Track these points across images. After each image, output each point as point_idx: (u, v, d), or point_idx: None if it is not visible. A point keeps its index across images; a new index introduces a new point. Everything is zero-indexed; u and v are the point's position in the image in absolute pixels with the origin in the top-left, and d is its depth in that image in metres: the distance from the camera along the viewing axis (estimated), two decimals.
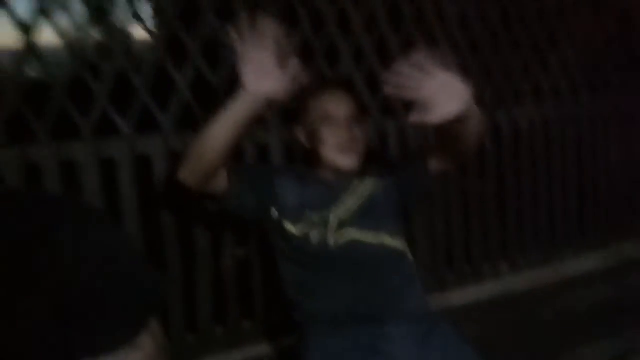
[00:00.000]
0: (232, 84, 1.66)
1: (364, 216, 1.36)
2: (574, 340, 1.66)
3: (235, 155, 1.26)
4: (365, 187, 1.41)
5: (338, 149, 1.37)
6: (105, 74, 1.54)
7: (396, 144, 1.95)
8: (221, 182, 1.30)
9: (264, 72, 1.13)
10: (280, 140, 1.74)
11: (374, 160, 1.49)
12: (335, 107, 1.38)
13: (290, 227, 1.36)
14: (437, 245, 2.05)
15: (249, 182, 1.36)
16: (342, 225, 1.34)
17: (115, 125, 1.57)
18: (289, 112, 1.74)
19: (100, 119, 1.53)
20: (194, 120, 1.63)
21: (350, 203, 1.38)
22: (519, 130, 2.22)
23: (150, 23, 1.62)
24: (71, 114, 1.49)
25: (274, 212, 1.37)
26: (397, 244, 1.38)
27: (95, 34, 1.54)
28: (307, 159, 1.49)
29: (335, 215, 1.35)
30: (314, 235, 1.33)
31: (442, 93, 1.10)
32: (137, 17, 1.58)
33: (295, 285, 1.37)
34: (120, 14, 1.59)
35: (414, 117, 1.11)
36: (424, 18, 2.01)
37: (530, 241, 2.27)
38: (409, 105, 1.14)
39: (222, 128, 1.18)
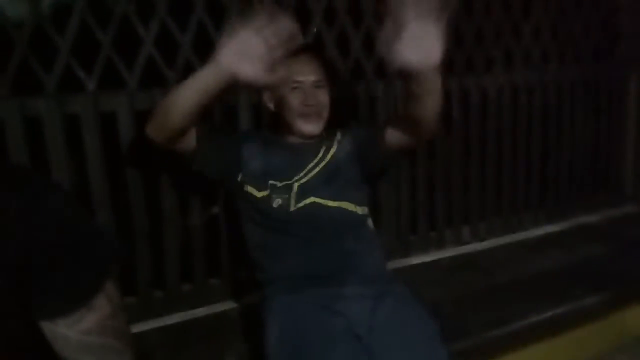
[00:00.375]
0: (200, 46, 1.66)
1: (327, 183, 1.38)
2: (523, 300, 1.75)
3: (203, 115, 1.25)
4: (330, 153, 1.43)
5: (302, 115, 1.37)
6: (69, 28, 1.50)
7: (386, 108, 1.97)
8: (189, 142, 1.30)
9: (246, 55, 1.05)
10: (249, 102, 1.73)
11: (340, 125, 1.51)
12: (301, 71, 1.38)
13: (252, 191, 1.38)
14: (402, 211, 2.10)
15: (217, 144, 1.36)
16: (304, 191, 1.36)
17: (80, 82, 1.54)
18: None
19: (64, 75, 1.49)
20: (161, 77, 1.60)
21: (313, 169, 1.40)
22: (487, 96, 2.25)
23: None
24: (34, 68, 1.45)
25: (239, 176, 1.39)
26: (358, 209, 1.41)
27: None
28: (273, 123, 1.50)
29: (298, 182, 1.37)
30: (276, 200, 1.35)
31: (416, 40, 1.02)
32: None
33: (256, 246, 1.41)
34: None
35: (382, 51, 1.05)
36: None
37: (492, 208, 2.35)
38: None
39: (189, 94, 1.16)
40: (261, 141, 1.45)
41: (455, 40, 2.13)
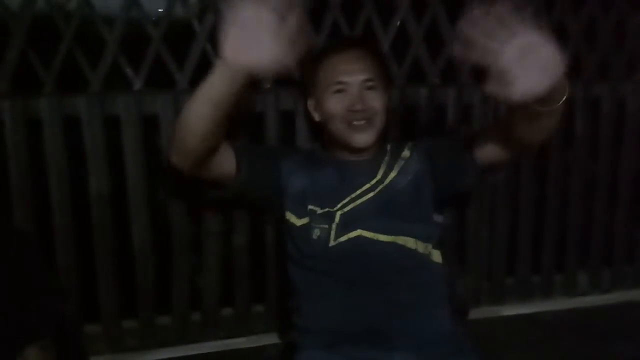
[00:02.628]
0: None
1: (380, 212, 1.10)
2: None
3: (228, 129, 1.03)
4: (390, 176, 1.14)
5: (349, 123, 1.11)
6: (117, 23, 1.39)
7: (456, 118, 1.61)
8: (226, 163, 1.10)
9: (254, 38, 0.81)
10: (276, 109, 1.47)
11: (401, 137, 1.22)
12: (346, 70, 1.11)
13: (291, 217, 1.16)
14: (497, 245, 1.70)
15: (257, 161, 1.16)
16: (348, 222, 1.10)
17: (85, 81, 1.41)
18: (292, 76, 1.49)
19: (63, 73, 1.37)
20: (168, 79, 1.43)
21: (365, 195, 1.13)
22: (624, 108, 1.76)
23: None
24: (35, 66, 1.36)
25: (280, 199, 1.17)
26: (420, 246, 1.11)
27: None
28: (318, 135, 1.25)
29: (342, 210, 1.11)
30: (315, 231, 1.11)
31: (526, 61, 0.77)
32: None
33: (292, 283, 1.18)
34: None
35: (489, 89, 0.79)
36: None
37: (622, 250, 1.83)
38: (479, 72, 0.83)
39: (202, 108, 0.93)
40: (306, 157, 1.21)
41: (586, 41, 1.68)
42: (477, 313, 1.63)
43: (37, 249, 0.77)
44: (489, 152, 1.08)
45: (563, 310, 1.71)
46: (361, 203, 1.12)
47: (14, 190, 1.36)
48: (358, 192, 1.13)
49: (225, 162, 1.11)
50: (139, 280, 1.47)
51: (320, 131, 1.24)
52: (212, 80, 0.90)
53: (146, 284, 1.47)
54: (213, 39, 1.41)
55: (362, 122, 1.11)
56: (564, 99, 0.86)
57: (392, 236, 1.10)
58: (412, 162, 1.17)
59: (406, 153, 1.19)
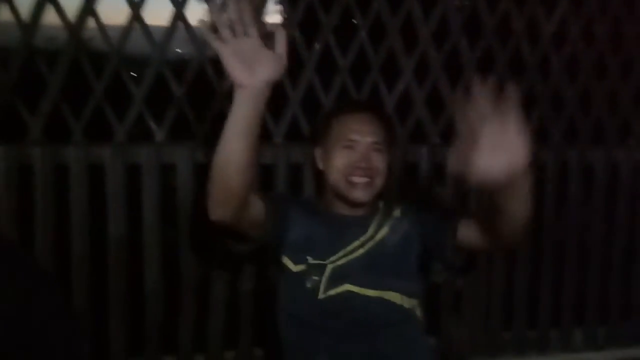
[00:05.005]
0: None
1: (368, 268, 1.17)
2: None
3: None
4: (381, 233, 1.22)
5: (350, 177, 1.19)
6: (145, 79, 1.52)
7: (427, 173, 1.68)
8: (256, 211, 1.14)
9: (252, 59, 0.95)
10: (287, 161, 1.58)
11: (397, 199, 1.29)
12: (358, 130, 1.21)
13: (288, 262, 1.22)
14: (493, 299, 1.76)
15: (275, 212, 1.19)
16: (337, 276, 1.16)
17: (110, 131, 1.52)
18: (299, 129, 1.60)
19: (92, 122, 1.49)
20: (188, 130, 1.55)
21: (355, 251, 1.19)
22: (617, 174, 1.84)
23: None
24: (64, 115, 1.47)
25: (279, 243, 1.24)
26: (405, 302, 1.17)
27: None
28: (319, 185, 1.33)
29: (333, 264, 1.18)
30: (309, 280, 1.17)
31: (494, 146, 0.80)
32: None
33: (282, 330, 1.23)
34: None
35: (451, 167, 0.83)
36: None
37: (617, 308, 1.87)
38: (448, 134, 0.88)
39: (233, 141, 1.00)
40: (306, 207, 1.29)
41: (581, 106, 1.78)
42: None
43: (61, 291, 0.81)
44: (470, 235, 1.11)
45: None
46: (352, 258, 1.18)
47: (38, 231, 1.46)
48: (349, 247, 1.19)
49: (256, 208, 1.14)
50: (147, 321, 1.54)
51: (321, 180, 1.32)
52: (236, 112, 0.98)
53: (154, 324, 1.54)
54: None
55: (364, 180, 1.18)
56: (525, 184, 0.88)
57: (379, 291, 1.16)
58: (403, 223, 1.23)
59: (397, 213, 1.25)
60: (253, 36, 0.95)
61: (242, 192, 1.04)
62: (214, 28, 0.96)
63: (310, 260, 1.18)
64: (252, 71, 0.95)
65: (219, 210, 1.06)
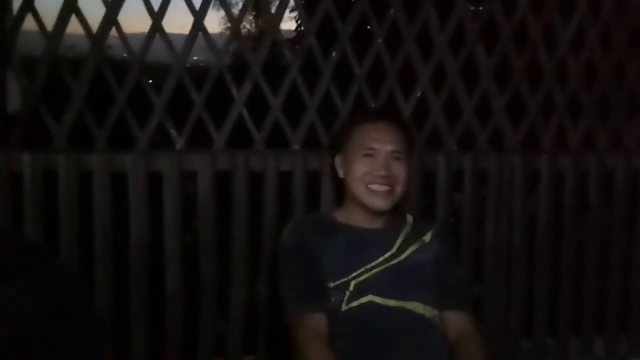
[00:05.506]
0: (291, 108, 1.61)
1: (392, 281, 1.19)
2: None
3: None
4: (408, 251, 1.23)
5: (370, 185, 1.20)
6: (165, 86, 1.55)
7: (472, 183, 1.70)
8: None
9: None
10: (304, 168, 1.58)
11: (419, 214, 1.31)
12: (378, 138, 1.22)
13: None
14: (513, 307, 1.74)
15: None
16: (361, 289, 1.18)
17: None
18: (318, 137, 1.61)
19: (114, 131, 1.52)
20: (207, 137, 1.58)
21: (380, 266, 1.21)
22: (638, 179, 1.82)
23: None
24: (88, 123, 1.51)
25: None
26: (427, 312, 1.18)
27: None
28: (339, 194, 1.35)
29: (357, 279, 1.19)
30: (334, 295, 1.19)
31: None
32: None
33: None
34: None
35: None
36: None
37: (639, 317, 1.84)
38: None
39: None
40: (327, 226, 1.27)
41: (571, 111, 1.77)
42: None
43: (87, 293, 0.83)
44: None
45: None
46: (376, 272, 1.20)
47: (62, 236, 1.49)
48: (373, 263, 1.20)
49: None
50: (168, 326, 1.56)
51: (341, 189, 1.33)
52: None
53: (175, 329, 1.56)
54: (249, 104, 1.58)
55: (384, 189, 1.20)
56: None
57: (402, 301, 1.17)
58: (433, 244, 1.26)
59: (427, 237, 1.27)
60: None
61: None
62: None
63: (331, 284, 1.19)
64: None
65: None
